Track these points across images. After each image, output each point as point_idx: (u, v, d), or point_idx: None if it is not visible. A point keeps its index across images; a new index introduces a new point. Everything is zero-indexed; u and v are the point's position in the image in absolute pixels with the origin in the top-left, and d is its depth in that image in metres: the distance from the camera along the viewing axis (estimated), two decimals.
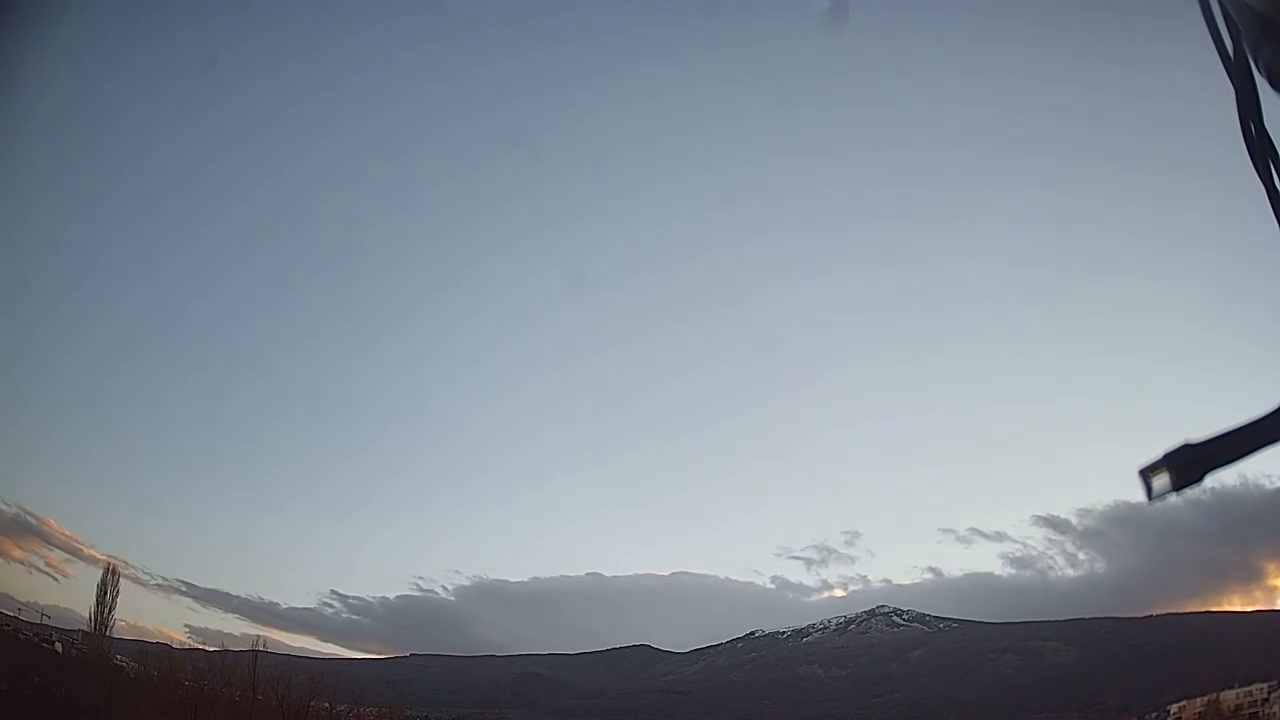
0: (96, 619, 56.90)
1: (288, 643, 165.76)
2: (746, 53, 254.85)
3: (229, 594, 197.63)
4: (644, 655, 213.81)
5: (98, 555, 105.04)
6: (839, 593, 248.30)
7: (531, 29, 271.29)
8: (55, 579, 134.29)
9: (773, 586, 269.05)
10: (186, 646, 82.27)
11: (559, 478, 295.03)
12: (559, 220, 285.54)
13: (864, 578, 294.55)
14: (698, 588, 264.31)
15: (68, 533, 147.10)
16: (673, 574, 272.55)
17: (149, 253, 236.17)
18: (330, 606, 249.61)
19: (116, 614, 57.95)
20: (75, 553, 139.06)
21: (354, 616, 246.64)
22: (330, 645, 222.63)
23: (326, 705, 56.42)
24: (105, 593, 57.89)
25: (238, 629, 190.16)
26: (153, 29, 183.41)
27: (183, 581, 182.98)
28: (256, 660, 52.16)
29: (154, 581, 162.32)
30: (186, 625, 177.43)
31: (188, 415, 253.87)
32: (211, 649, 63.44)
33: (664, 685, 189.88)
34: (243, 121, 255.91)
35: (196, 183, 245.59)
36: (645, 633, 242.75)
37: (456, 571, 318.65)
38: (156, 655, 61.89)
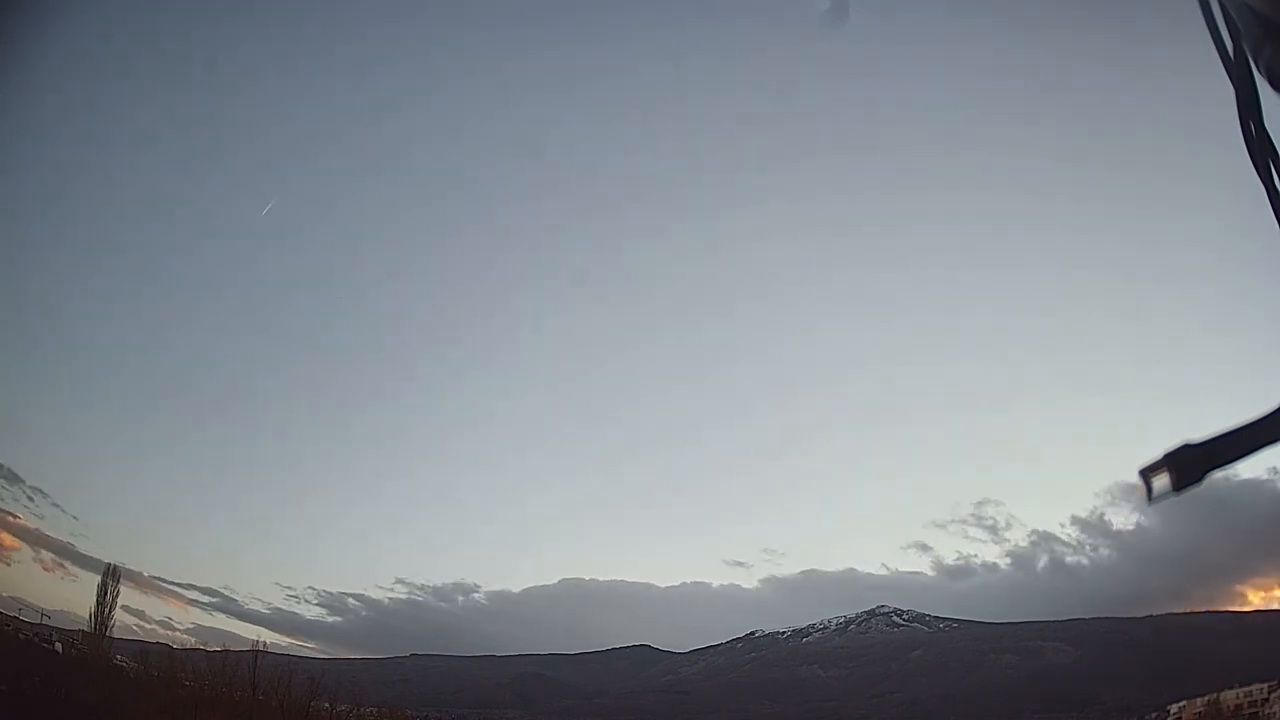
0: (96, 619, 56.98)
1: (285, 643, 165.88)
2: (747, 55, 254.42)
3: (230, 594, 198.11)
4: (644, 655, 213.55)
5: (97, 556, 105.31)
6: None
7: (532, 32, 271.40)
8: (48, 579, 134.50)
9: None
10: (187, 646, 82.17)
11: (556, 486, 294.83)
12: (559, 226, 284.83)
13: None
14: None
15: (67, 533, 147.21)
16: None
17: (149, 256, 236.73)
18: (327, 607, 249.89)
19: (116, 614, 58.09)
20: (74, 554, 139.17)
21: (352, 616, 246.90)
22: (330, 645, 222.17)
23: (327, 705, 56.31)
24: (105, 593, 58.00)
25: (238, 629, 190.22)
26: (153, 30, 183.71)
27: (181, 582, 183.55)
28: (257, 660, 51.95)
29: (153, 582, 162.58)
30: (194, 624, 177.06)
31: (189, 416, 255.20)
32: (212, 649, 63.31)
33: (664, 685, 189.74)
34: (242, 125, 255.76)
35: (198, 186, 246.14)
36: (646, 632, 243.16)
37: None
38: (156, 655, 61.81)
